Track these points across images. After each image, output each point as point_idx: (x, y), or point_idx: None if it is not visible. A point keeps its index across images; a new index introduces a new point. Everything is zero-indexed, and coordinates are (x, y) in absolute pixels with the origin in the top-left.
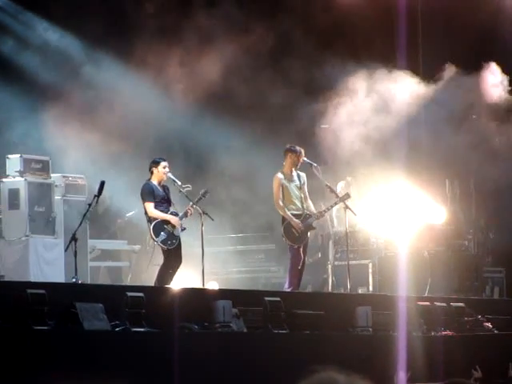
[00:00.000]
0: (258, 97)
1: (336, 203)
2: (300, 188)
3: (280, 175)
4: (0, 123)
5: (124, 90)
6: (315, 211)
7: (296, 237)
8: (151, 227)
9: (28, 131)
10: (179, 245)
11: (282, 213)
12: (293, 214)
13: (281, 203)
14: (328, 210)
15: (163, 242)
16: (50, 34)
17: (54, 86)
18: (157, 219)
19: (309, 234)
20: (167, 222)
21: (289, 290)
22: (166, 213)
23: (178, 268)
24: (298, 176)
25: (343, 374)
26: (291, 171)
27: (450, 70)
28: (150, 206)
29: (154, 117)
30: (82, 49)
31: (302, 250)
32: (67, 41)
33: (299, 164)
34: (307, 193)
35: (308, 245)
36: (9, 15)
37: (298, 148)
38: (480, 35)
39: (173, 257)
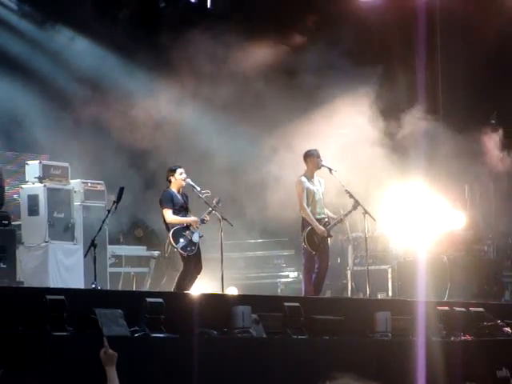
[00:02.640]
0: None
1: (350, 211)
2: (322, 193)
3: (303, 179)
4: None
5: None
6: (334, 217)
7: (316, 244)
8: (170, 234)
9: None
10: (198, 251)
11: (306, 217)
12: (315, 219)
13: (306, 207)
14: (346, 215)
15: (183, 248)
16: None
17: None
18: (175, 226)
19: (329, 240)
20: (186, 229)
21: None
22: None
23: (198, 274)
24: (319, 182)
25: (360, 381)
26: (313, 175)
27: None
28: (168, 212)
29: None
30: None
31: (322, 256)
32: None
33: (320, 166)
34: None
35: (328, 251)
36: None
37: (314, 150)
38: (499, 40)
39: (193, 263)
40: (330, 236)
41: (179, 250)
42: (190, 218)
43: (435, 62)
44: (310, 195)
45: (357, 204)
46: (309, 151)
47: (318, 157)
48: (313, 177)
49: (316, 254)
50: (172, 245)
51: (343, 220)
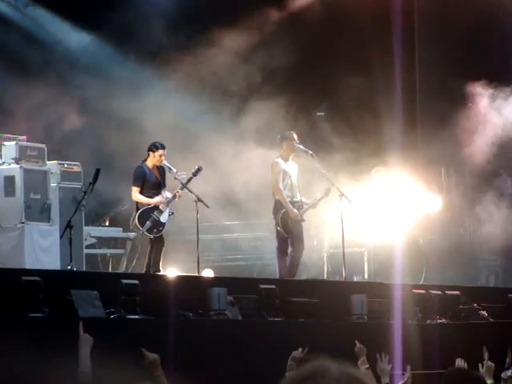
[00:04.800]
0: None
1: (323, 196)
2: (296, 177)
3: (280, 160)
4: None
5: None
6: (307, 201)
7: (289, 227)
8: (136, 216)
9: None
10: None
11: (281, 199)
12: (289, 202)
13: (281, 188)
14: (321, 198)
15: (148, 230)
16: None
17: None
18: (143, 207)
19: (303, 224)
20: (154, 209)
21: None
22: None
23: (162, 251)
24: (294, 166)
25: (335, 362)
26: (288, 159)
27: None
28: (134, 191)
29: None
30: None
31: (296, 240)
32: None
33: (296, 149)
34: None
35: (302, 234)
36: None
37: (289, 133)
38: (476, 23)
39: (155, 242)
40: (302, 220)
41: (145, 232)
42: (155, 200)
43: (412, 45)
44: (286, 177)
45: (329, 190)
46: (284, 134)
47: (293, 139)
48: (288, 160)
49: (289, 237)
50: (137, 227)
51: (316, 204)
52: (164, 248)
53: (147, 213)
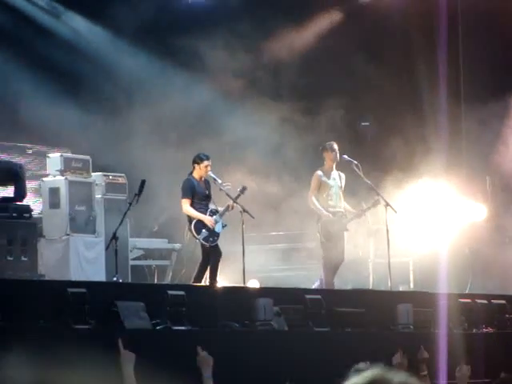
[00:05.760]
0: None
1: (370, 207)
2: (340, 187)
3: (319, 172)
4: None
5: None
6: (353, 210)
7: (332, 236)
8: (192, 225)
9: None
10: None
11: (312, 206)
12: (330, 212)
13: (313, 198)
14: (365, 211)
15: (205, 239)
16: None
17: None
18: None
19: (345, 234)
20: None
21: (317, 286)
22: (206, 210)
23: (219, 261)
24: (339, 176)
25: (394, 372)
26: (331, 169)
27: None
28: (185, 203)
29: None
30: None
31: (336, 248)
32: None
33: (337, 159)
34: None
35: (343, 244)
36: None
37: (328, 144)
38: None
39: (212, 253)
40: (345, 229)
41: (201, 240)
42: (205, 218)
43: (457, 51)
44: (326, 189)
45: (377, 202)
46: (323, 145)
47: (333, 150)
48: (331, 170)
49: (332, 244)
50: (194, 236)
51: (361, 215)
52: (220, 258)
53: (202, 222)
